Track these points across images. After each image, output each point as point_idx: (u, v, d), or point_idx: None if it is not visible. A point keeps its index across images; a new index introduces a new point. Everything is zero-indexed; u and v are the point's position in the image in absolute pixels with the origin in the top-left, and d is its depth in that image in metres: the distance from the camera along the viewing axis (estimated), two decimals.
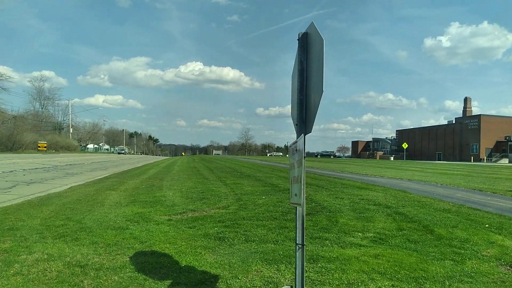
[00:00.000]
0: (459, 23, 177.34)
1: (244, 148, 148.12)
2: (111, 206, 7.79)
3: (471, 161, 68.30)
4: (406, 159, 77.23)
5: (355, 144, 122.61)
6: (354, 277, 3.72)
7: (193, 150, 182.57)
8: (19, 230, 5.48)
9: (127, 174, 18.46)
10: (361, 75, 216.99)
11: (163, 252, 4.51)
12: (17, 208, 7.46)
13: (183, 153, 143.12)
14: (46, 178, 14.95)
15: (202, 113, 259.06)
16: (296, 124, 2.73)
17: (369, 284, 3.58)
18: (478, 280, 3.72)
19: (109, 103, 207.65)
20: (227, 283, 3.58)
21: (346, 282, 3.61)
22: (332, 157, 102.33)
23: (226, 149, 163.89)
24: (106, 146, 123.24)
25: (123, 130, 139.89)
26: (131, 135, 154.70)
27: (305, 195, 2.50)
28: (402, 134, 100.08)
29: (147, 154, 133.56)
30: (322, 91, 2.25)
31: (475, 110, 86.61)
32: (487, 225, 6.23)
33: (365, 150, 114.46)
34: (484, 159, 70.72)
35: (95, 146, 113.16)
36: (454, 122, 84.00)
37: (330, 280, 3.66)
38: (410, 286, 3.57)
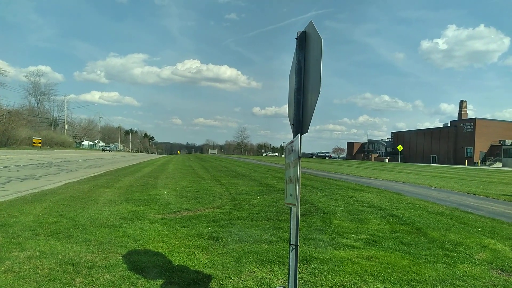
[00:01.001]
0: (456, 25, 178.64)
1: (240, 148, 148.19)
2: (105, 204, 7.75)
3: (465, 164, 68.72)
4: (400, 162, 77.58)
5: (350, 145, 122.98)
6: (347, 279, 3.73)
7: (189, 148, 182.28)
8: (12, 226, 5.43)
9: (122, 172, 18.39)
10: (358, 76, 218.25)
11: (156, 251, 4.49)
12: (10, 204, 7.40)
13: (178, 152, 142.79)
14: (40, 175, 14.85)
15: (198, 111, 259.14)
16: (293, 124, 2.73)
17: (361, 286, 3.58)
18: (470, 284, 3.74)
19: (105, 99, 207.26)
20: (220, 283, 3.57)
21: (338, 284, 3.61)
22: (327, 158, 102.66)
23: (221, 148, 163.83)
24: (102, 143, 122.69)
25: (118, 127, 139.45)
26: (127, 133, 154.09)
27: (300, 195, 2.49)
28: (397, 136, 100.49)
29: (143, 152, 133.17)
30: (319, 91, 2.25)
31: (470, 113, 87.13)
32: (479, 229, 6.26)
33: (360, 151, 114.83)
34: (478, 162, 71.14)
35: (90, 143, 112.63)
36: (449, 125, 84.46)
37: (323, 281, 3.66)
38: None
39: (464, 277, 3.90)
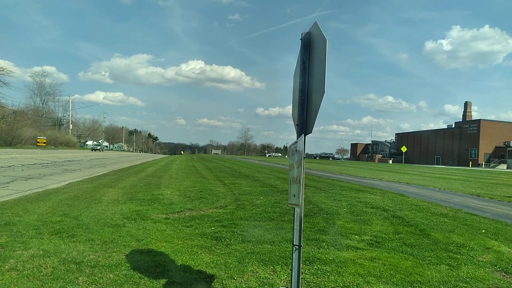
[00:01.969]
0: (460, 26, 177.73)
1: (243, 148, 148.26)
2: (109, 204, 7.78)
3: (469, 166, 68.36)
4: (404, 163, 77.33)
5: (354, 146, 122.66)
6: (350, 280, 3.72)
7: (192, 149, 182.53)
8: (16, 225, 5.46)
9: (126, 172, 18.44)
10: (361, 77, 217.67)
11: (159, 250, 4.50)
12: (14, 203, 7.44)
13: (182, 152, 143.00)
14: (45, 174, 14.92)
15: (202, 112, 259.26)
16: (297, 124, 2.73)
17: (364, 287, 3.58)
18: (473, 286, 3.72)
19: (110, 100, 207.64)
20: (222, 283, 3.57)
21: (341, 285, 3.60)
22: (331, 159, 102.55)
23: (225, 148, 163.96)
24: (106, 143, 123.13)
25: (123, 127, 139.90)
26: (131, 133, 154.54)
27: (303, 196, 2.49)
28: (401, 138, 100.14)
29: (146, 152, 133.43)
30: (324, 91, 2.24)
31: (474, 115, 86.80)
32: (483, 231, 6.23)
33: (364, 152, 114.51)
34: (482, 164, 70.77)
35: (95, 142, 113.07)
36: (453, 126, 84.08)
37: (325, 282, 3.65)
38: None
39: (468, 279, 3.88)
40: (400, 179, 19.55)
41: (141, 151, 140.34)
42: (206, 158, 52.90)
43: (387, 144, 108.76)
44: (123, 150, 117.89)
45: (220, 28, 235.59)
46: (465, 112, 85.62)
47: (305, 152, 2.52)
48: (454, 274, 4.04)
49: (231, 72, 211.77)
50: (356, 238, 5.43)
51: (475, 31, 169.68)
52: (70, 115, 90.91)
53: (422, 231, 6.02)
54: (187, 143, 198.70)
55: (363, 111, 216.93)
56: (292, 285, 2.65)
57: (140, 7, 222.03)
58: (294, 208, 2.64)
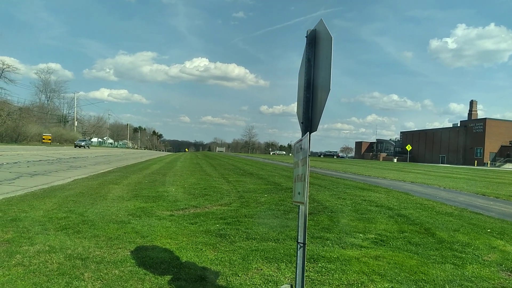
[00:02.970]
0: (466, 25, 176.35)
1: (248, 146, 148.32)
2: (114, 200, 7.82)
3: (474, 165, 67.99)
4: (409, 162, 77.03)
5: (358, 144, 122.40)
6: (354, 278, 3.72)
7: (197, 146, 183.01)
8: (22, 221, 5.50)
9: (130, 169, 18.51)
10: (366, 75, 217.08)
11: (164, 247, 4.52)
12: (21, 200, 7.50)
13: (186, 149, 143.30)
14: (50, 171, 15.02)
15: (206, 109, 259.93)
16: (302, 122, 2.72)
17: (369, 285, 3.57)
18: (478, 285, 3.70)
19: (114, 97, 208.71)
20: (227, 280, 3.58)
21: (346, 283, 3.60)
22: (335, 157, 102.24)
23: (229, 146, 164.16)
24: (110, 140, 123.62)
25: (127, 124, 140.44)
26: (135, 130, 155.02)
27: (308, 194, 2.49)
28: (406, 136, 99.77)
29: (151, 149, 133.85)
30: (329, 89, 2.24)
31: (480, 113, 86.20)
32: (489, 230, 6.20)
33: (368, 151, 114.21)
34: (488, 163, 70.36)
35: (99, 139, 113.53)
36: (459, 125, 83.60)
37: (330, 280, 3.65)
38: None
39: (473, 278, 3.87)
40: (404, 177, 19.48)
41: (145, 148, 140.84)
42: (211, 156, 52.98)
43: (392, 142, 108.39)
44: (127, 147, 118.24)
45: (224, 26, 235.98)
46: (470, 110, 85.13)
47: (310, 150, 2.52)
48: (459, 273, 4.02)
49: (235, 69, 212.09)
50: (360, 236, 5.43)
51: (480, 29, 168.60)
52: (75, 112, 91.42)
53: (427, 230, 6.00)
54: (192, 140, 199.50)
55: (368, 109, 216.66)
56: (297, 282, 2.66)
57: (144, 5, 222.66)
58: (299, 206, 2.64)
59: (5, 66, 62.38)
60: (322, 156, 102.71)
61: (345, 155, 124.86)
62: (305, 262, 2.69)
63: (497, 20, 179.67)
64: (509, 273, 4.12)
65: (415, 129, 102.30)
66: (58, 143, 66.34)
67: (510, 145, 71.89)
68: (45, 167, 16.70)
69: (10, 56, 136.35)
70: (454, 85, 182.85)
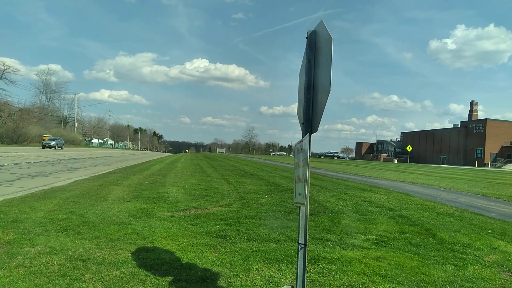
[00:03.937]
0: (465, 25, 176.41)
1: (248, 147, 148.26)
2: (114, 201, 7.82)
3: (475, 165, 67.92)
4: (410, 162, 76.98)
5: (359, 145, 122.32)
6: (355, 279, 3.71)
7: (197, 147, 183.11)
8: (23, 222, 5.51)
9: (131, 170, 18.52)
10: (366, 76, 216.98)
11: (165, 248, 4.52)
12: (21, 201, 7.50)
13: (187, 150, 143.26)
14: (51, 172, 15.02)
15: (206, 110, 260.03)
16: (302, 123, 2.72)
17: (370, 286, 3.57)
18: (479, 286, 3.70)
19: (115, 98, 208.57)
20: (228, 281, 3.58)
21: (347, 284, 3.60)
22: (335, 158, 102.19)
23: (229, 147, 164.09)
24: (111, 141, 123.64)
25: (127, 125, 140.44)
26: (136, 131, 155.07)
27: (309, 195, 2.49)
28: (407, 137, 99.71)
29: (151, 150, 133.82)
30: (330, 90, 2.24)
31: (480, 114, 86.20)
32: (490, 231, 6.19)
33: (369, 152, 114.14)
34: (488, 164, 70.30)
35: (100, 140, 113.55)
36: (459, 125, 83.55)
37: (331, 281, 3.65)
38: None
39: (474, 279, 3.86)
40: (405, 178, 19.47)
41: (146, 149, 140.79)
42: (211, 157, 52.98)
43: (392, 143, 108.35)
44: (128, 148, 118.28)
45: (224, 27, 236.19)
46: (471, 111, 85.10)
47: (310, 151, 2.52)
48: (460, 274, 4.02)
49: (235, 70, 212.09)
50: (361, 237, 5.42)
51: (479, 30, 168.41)
52: (76, 113, 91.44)
53: (427, 230, 5.99)
54: (192, 141, 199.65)
55: (368, 110, 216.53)
56: (298, 283, 2.65)
57: (144, 6, 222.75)
58: (300, 206, 2.64)
59: (5, 67, 62.44)
60: (322, 157, 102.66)
61: (345, 156, 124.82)
62: (306, 263, 2.69)
63: (497, 21, 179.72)
64: (510, 274, 4.11)
65: (416, 130, 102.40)
66: None
67: (511, 145, 71.81)
68: (45, 168, 16.71)
69: (10, 57, 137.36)
70: (454, 85, 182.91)
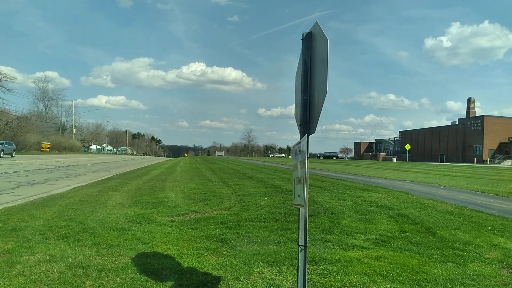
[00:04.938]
0: (460, 23, 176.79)
1: (247, 149, 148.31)
2: (114, 207, 7.80)
3: (474, 162, 68.06)
4: (408, 161, 77.04)
5: (357, 145, 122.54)
6: (356, 280, 3.71)
7: (196, 151, 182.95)
8: (22, 230, 5.49)
9: (130, 175, 18.49)
10: (363, 76, 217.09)
11: (165, 253, 4.51)
12: (20, 209, 7.48)
13: (185, 154, 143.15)
14: (49, 179, 14.99)
15: (204, 114, 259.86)
16: (300, 125, 2.73)
17: (371, 286, 3.57)
18: (480, 283, 3.70)
19: (112, 103, 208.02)
20: (228, 284, 3.57)
21: (347, 284, 3.60)
22: (334, 158, 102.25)
23: (228, 150, 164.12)
24: (109, 147, 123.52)
25: (126, 131, 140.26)
26: (134, 136, 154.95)
27: (308, 196, 2.49)
28: (405, 135, 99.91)
29: (150, 155, 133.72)
30: (326, 91, 2.25)
31: (478, 111, 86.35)
32: (489, 227, 6.20)
33: (367, 151, 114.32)
34: (487, 160, 70.47)
35: (98, 147, 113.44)
36: (457, 123, 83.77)
37: (332, 282, 3.65)
38: None
39: (475, 276, 3.86)
40: (404, 177, 19.49)
41: (144, 154, 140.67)
42: (210, 160, 52.94)
43: (391, 142, 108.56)
44: (126, 154, 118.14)
45: (220, 30, 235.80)
46: (468, 108, 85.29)
47: (309, 151, 2.52)
48: (461, 271, 4.02)
49: (232, 73, 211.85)
50: (361, 237, 5.42)
51: (474, 27, 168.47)
52: (74, 120, 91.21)
53: (427, 229, 6.00)
54: (191, 145, 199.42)
55: (365, 109, 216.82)
56: (298, 285, 2.65)
57: (140, 11, 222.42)
58: (299, 208, 2.64)
59: (2, 76, 62.32)
60: (321, 158, 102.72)
61: (344, 156, 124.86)
62: (307, 265, 2.69)
63: (491, 18, 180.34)
64: (510, 270, 4.12)
65: (414, 128, 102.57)
66: (57, 151, 66.18)
67: (509, 141, 71.99)
68: (44, 175, 16.67)
69: (7, 65, 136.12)
70: (451, 83, 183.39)
